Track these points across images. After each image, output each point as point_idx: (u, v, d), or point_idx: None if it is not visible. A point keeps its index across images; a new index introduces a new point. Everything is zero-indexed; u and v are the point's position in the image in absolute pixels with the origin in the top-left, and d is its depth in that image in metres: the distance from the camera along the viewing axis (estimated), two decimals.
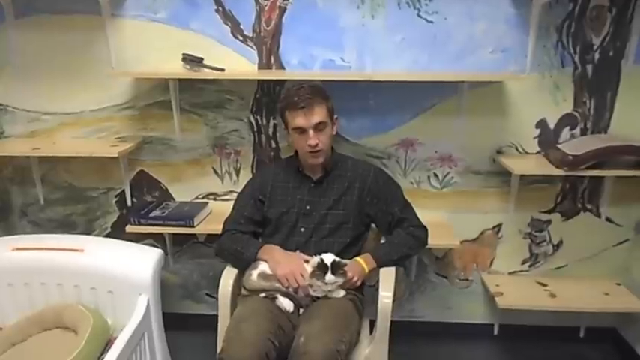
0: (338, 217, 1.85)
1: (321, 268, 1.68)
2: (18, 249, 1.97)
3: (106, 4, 2.05)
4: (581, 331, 2.43)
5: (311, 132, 1.75)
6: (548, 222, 2.29)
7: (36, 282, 1.96)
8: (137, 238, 2.27)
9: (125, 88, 2.20)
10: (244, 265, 1.82)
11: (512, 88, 2.11)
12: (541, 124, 2.15)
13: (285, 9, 2.06)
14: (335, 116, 1.85)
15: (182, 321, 2.43)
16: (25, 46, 2.16)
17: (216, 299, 1.79)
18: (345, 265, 1.71)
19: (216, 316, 1.77)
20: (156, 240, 2.39)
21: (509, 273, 2.38)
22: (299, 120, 1.75)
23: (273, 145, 2.26)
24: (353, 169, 1.90)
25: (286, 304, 1.71)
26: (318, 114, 1.75)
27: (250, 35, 2.10)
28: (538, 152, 2.18)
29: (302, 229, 1.86)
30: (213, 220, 2.19)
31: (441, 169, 2.25)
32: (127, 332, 1.74)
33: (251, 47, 2.11)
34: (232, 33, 2.10)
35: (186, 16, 2.08)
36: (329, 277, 1.67)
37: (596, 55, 2.05)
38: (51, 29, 2.13)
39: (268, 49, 2.11)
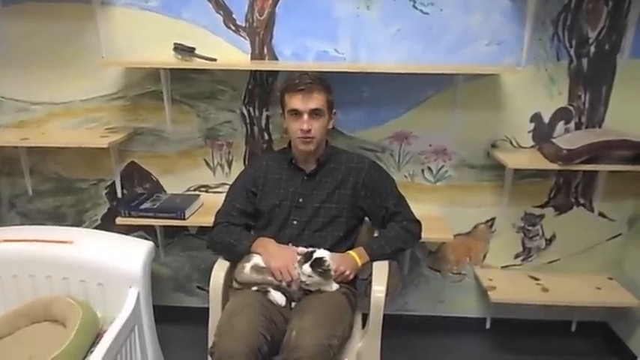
0: (331, 211, 1.83)
1: (307, 257, 1.67)
2: (6, 241, 1.94)
3: None
4: (573, 325, 2.45)
5: (305, 116, 1.74)
6: (542, 216, 2.29)
7: (24, 274, 1.93)
8: (128, 230, 2.25)
9: (115, 78, 2.17)
10: (237, 257, 1.80)
11: (508, 81, 2.10)
12: (536, 117, 2.15)
13: None
14: (334, 110, 1.85)
15: (173, 314, 2.41)
16: (13, 34, 2.12)
17: (208, 292, 1.77)
18: (329, 269, 1.67)
19: (208, 308, 1.75)
20: (147, 232, 2.37)
21: (502, 267, 2.39)
22: (296, 102, 1.74)
23: (266, 136, 2.24)
24: (347, 162, 1.88)
25: (278, 297, 1.69)
26: (317, 100, 1.74)
27: (243, 25, 2.07)
28: (532, 146, 2.18)
29: (294, 222, 1.84)
30: (204, 212, 2.17)
31: (435, 162, 2.24)
32: (116, 325, 1.73)
33: (244, 37, 2.08)
34: (225, 22, 2.06)
35: (178, 4, 2.05)
36: (305, 267, 1.65)
37: (592, 49, 2.05)
38: (40, 17, 2.09)
39: (261, 39, 2.08)
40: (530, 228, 2.32)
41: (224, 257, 1.85)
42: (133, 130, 2.24)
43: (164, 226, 2.34)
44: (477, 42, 2.05)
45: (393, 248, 1.83)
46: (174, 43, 2.03)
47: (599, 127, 2.14)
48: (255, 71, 2.14)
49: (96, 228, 2.37)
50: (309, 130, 1.75)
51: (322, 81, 1.78)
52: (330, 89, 1.80)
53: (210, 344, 1.56)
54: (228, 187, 1.99)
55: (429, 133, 2.19)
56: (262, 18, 2.06)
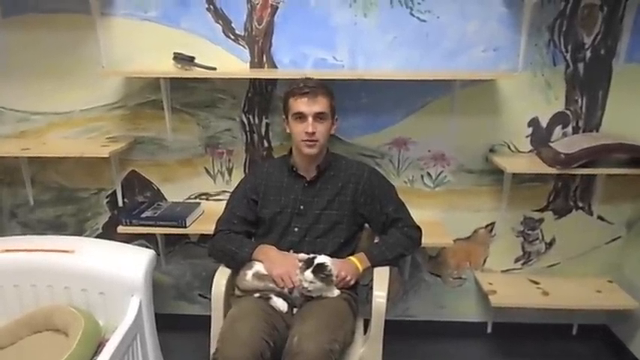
0: (332, 217, 1.84)
1: (308, 263, 1.68)
2: (7, 250, 1.94)
3: (95, 2, 2.03)
4: (574, 328, 2.45)
5: (310, 119, 1.76)
6: (541, 220, 2.30)
7: (26, 284, 1.93)
8: (129, 238, 2.25)
9: (116, 88, 2.18)
10: (238, 265, 1.81)
11: (505, 87, 2.11)
12: (533, 122, 2.16)
13: (277, 7, 2.05)
14: (336, 117, 1.86)
15: (175, 322, 2.40)
16: (14, 45, 2.13)
17: (209, 300, 1.78)
18: (331, 274, 1.69)
19: (209, 316, 1.76)
20: (148, 241, 2.37)
21: (502, 271, 2.39)
22: (301, 105, 1.76)
23: (266, 144, 2.25)
24: (347, 169, 1.90)
25: (280, 304, 1.70)
26: (321, 103, 1.76)
27: (242, 34, 2.09)
28: (530, 151, 2.19)
29: (296, 229, 1.85)
30: (205, 220, 2.18)
31: (434, 167, 2.25)
32: (118, 334, 1.73)
33: (243, 46, 2.10)
34: (224, 31, 2.08)
35: (177, 14, 2.06)
36: (307, 273, 1.66)
37: (588, 54, 2.06)
38: (40, 28, 2.10)
39: (260, 47, 2.10)
40: (529, 232, 2.32)
41: (225, 265, 1.86)
42: (133, 139, 2.25)
43: (165, 235, 2.34)
44: (473, 48, 2.07)
45: (393, 254, 1.83)
46: (174, 53, 2.04)
47: (597, 130, 2.15)
48: (255, 79, 2.15)
49: (97, 237, 2.37)
50: (313, 133, 1.76)
51: (326, 86, 1.81)
52: (332, 95, 1.82)
53: (212, 351, 1.57)
54: (228, 194, 2.00)
55: (428, 139, 2.20)
56: (261, 27, 2.08)
